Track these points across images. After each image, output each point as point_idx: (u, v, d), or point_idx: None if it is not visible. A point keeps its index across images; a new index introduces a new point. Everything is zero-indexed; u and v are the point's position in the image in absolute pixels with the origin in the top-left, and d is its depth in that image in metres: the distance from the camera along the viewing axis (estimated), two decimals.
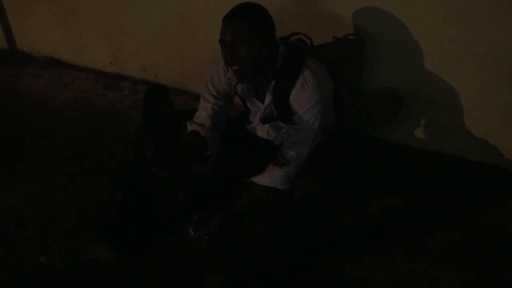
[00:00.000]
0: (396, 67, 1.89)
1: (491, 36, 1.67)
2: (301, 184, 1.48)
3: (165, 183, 1.74)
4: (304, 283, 1.48)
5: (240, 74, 1.37)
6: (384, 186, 1.84)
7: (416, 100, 1.93)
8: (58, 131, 2.27)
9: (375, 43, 1.86)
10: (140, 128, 1.68)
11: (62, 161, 2.05)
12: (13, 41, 3.04)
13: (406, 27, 1.78)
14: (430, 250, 1.59)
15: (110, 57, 2.73)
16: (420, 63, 1.84)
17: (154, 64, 2.60)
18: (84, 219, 1.72)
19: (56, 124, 2.33)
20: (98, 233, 1.57)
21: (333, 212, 1.70)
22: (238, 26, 1.31)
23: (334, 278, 1.49)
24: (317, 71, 1.42)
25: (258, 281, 1.42)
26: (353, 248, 1.59)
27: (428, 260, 1.55)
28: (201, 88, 1.62)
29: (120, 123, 2.33)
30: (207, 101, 1.57)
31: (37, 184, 1.91)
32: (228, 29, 1.32)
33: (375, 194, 1.81)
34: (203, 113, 1.56)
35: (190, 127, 1.54)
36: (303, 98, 1.40)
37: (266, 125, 1.60)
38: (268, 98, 1.49)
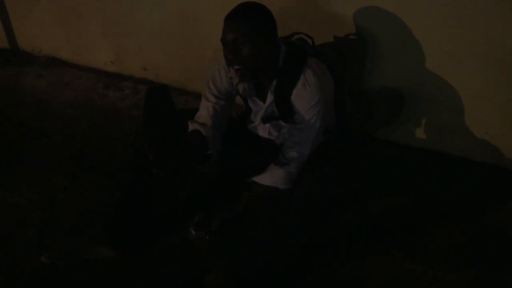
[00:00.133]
0: (397, 66, 1.89)
1: (492, 36, 1.67)
2: (302, 184, 1.48)
3: (165, 183, 1.74)
4: (304, 283, 1.48)
5: (241, 73, 1.37)
6: (385, 186, 1.84)
7: (417, 100, 1.93)
8: (58, 131, 2.27)
9: (376, 43, 1.86)
10: (140, 128, 1.68)
11: (62, 161, 2.05)
12: (14, 41, 3.05)
13: (407, 27, 1.78)
14: (430, 250, 1.59)
15: (111, 56, 2.73)
16: (421, 62, 1.84)
17: (155, 63, 2.60)
18: (84, 219, 1.72)
19: (57, 124, 2.33)
20: (98, 233, 1.57)
21: (333, 212, 1.70)
22: (239, 25, 1.31)
23: (334, 278, 1.49)
24: (318, 71, 1.42)
25: (258, 281, 1.42)
26: (353, 248, 1.59)
27: (428, 260, 1.55)
28: (203, 88, 1.62)
29: (120, 122, 2.33)
30: (208, 100, 1.57)
31: (37, 184, 1.91)
32: (230, 28, 1.32)
33: (376, 194, 1.81)
34: (205, 112, 1.56)
35: (191, 126, 1.54)
36: (305, 97, 1.40)
37: (268, 125, 1.60)
38: (269, 98, 1.49)
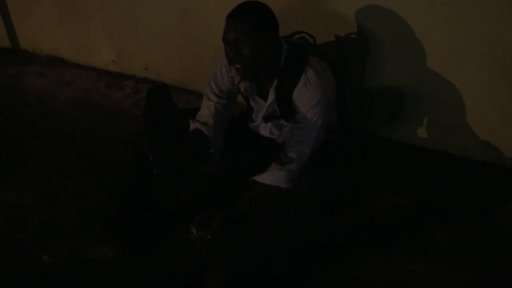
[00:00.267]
0: (398, 65, 1.89)
1: (492, 36, 1.67)
2: (303, 183, 1.48)
3: (165, 183, 1.74)
4: (304, 283, 1.48)
5: (243, 72, 1.37)
6: (386, 185, 1.84)
7: (418, 99, 1.93)
8: (59, 131, 2.27)
9: (377, 42, 1.86)
10: (141, 128, 1.68)
11: (62, 161, 2.05)
12: (16, 40, 3.06)
13: (408, 26, 1.78)
14: (430, 250, 1.59)
15: (112, 55, 2.73)
16: (421, 62, 1.84)
17: (156, 63, 2.60)
18: (84, 219, 1.72)
19: (57, 124, 2.33)
20: (98, 233, 1.57)
21: (333, 212, 1.70)
22: (241, 25, 1.31)
23: (334, 278, 1.49)
24: (320, 70, 1.42)
25: (258, 281, 1.42)
26: (353, 248, 1.59)
27: (428, 260, 1.55)
28: (204, 87, 1.62)
29: (121, 122, 2.33)
30: (210, 99, 1.57)
31: (37, 184, 1.91)
32: (231, 28, 1.32)
33: (378, 193, 1.80)
34: (206, 111, 1.56)
35: (192, 125, 1.54)
36: (306, 96, 1.40)
37: (269, 124, 1.60)
38: (271, 97, 1.49)
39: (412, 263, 1.54)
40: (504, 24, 1.64)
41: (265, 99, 1.53)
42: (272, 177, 1.47)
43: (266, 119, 1.58)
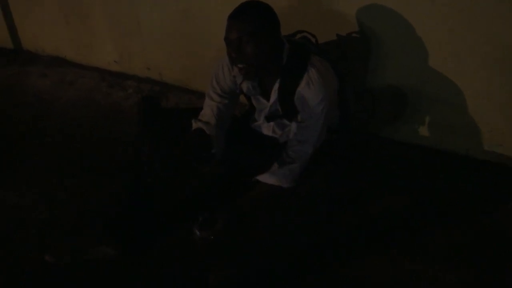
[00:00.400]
0: (400, 65, 1.89)
1: (494, 35, 1.67)
2: (305, 183, 1.48)
3: (165, 183, 1.74)
4: (304, 283, 1.48)
5: (245, 71, 1.37)
6: (388, 184, 1.83)
7: (420, 99, 1.93)
8: (59, 131, 2.27)
9: (379, 41, 1.86)
10: (140, 128, 1.68)
11: (62, 161, 2.05)
12: (18, 40, 3.06)
13: (409, 26, 1.78)
14: (430, 250, 1.59)
15: (114, 56, 2.73)
16: (423, 61, 1.84)
17: (158, 63, 2.60)
18: (84, 219, 1.72)
19: (58, 124, 2.33)
20: (98, 233, 1.57)
21: (333, 212, 1.70)
22: (243, 24, 1.32)
23: (334, 278, 1.49)
24: (322, 69, 1.42)
25: (258, 281, 1.42)
26: (353, 248, 1.59)
27: (428, 260, 1.55)
28: (206, 86, 1.62)
29: (121, 122, 2.33)
30: (212, 99, 1.58)
31: (37, 184, 1.91)
32: (234, 27, 1.32)
33: (379, 193, 1.80)
34: (208, 111, 1.56)
35: (195, 125, 1.54)
36: (308, 96, 1.40)
37: (271, 123, 1.60)
38: (273, 96, 1.49)
39: (412, 263, 1.54)
40: (504, 24, 1.64)
41: (268, 99, 1.53)
42: (274, 176, 1.47)
43: (269, 118, 1.58)
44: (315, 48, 1.51)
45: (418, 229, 1.67)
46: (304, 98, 1.41)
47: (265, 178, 1.48)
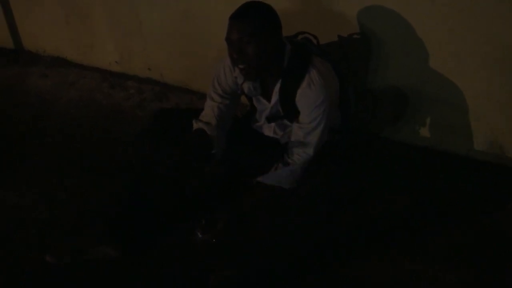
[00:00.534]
0: (401, 65, 1.89)
1: (494, 35, 1.67)
2: (305, 183, 1.48)
3: (165, 183, 1.74)
4: (304, 283, 1.48)
5: (246, 72, 1.38)
6: (390, 185, 1.83)
7: (421, 99, 1.93)
8: (59, 131, 2.27)
9: (380, 42, 1.86)
10: (143, 129, 1.68)
11: (62, 161, 2.05)
12: (19, 41, 3.05)
13: (410, 26, 1.78)
14: (430, 250, 1.59)
15: (115, 56, 2.73)
16: (424, 62, 1.83)
17: (159, 63, 2.60)
18: (84, 219, 1.72)
19: (58, 124, 2.33)
20: (98, 233, 1.57)
21: (333, 212, 1.70)
22: (244, 25, 1.32)
23: (334, 278, 1.49)
24: (323, 70, 1.42)
25: (258, 281, 1.42)
26: (353, 248, 1.59)
27: (428, 260, 1.55)
28: (207, 87, 1.62)
29: (122, 122, 2.33)
30: (213, 100, 1.58)
31: (37, 184, 1.91)
32: (235, 28, 1.33)
33: (380, 192, 1.80)
34: (209, 111, 1.57)
35: (195, 125, 1.55)
36: (310, 97, 1.41)
37: (273, 124, 1.60)
38: (274, 97, 1.49)
39: (412, 263, 1.54)
40: (504, 24, 1.64)
41: (269, 100, 1.53)
42: (275, 177, 1.48)
43: (270, 119, 1.58)
44: (316, 49, 1.51)
45: (418, 229, 1.67)
46: (305, 99, 1.41)
47: (266, 179, 1.49)
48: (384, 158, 2.00)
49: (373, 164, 1.94)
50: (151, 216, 1.63)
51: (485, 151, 1.92)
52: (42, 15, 2.82)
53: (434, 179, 1.88)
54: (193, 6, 2.27)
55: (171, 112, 1.74)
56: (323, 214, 1.53)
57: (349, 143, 1.76)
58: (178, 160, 1.44)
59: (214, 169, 1.86)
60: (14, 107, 2.48)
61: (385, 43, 1.86)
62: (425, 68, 1.84)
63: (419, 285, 1.48)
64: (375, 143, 2.08)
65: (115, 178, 1.87)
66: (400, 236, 1.64)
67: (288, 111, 1.49)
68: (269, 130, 1.64)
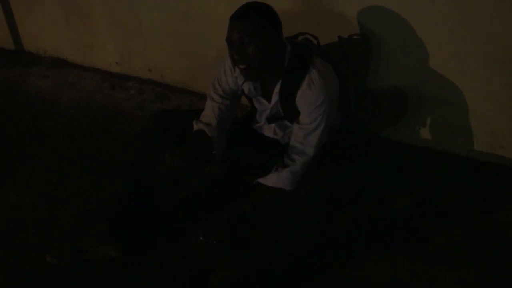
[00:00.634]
0: (401, 66, 1.89)
1: (494, 35, 1.67)
2: (306, 184, 1.49)
3: (165, 183, 1.74)
4: (304, 283, 1.48)
5: (246, 72, 1.38)
6: (390, 185, 1.83)
7: (421, 99, 1.93)
8: (59, 131, 2.27)
9: (380, 42, 1.86)
10: (143, 129, 1.68)
11: (62, 161, 2.05)
12: (19, 42, 3.05)
13: (410, 26, 1.78)
14: (430, 250, 1.59)
15: (116, 57, 2.73)
16: (424, 62, 1.83)
17: (160, 64, 2.60)
18: (84, 219, 1.72)
19: (58, 124, 2.33)
20: (98, 233, 1.57)
21: (333, 212, 1.70)
22: (245, 25, 1.32)
23: (334, 278, 1.49)
24: (324, 71, 1.42)
25: (258, 281, 1.42)
26: (353, 248, 1.59)
27: (428, 260, 1.55)
28: (207, 88, 1.62)
29: (122, 122, 2.33)
30: (213, 100, 1.58)
31: (37, 184, 1.91)
32: (235, 28, 1.33)
33: (380, 193, 1.80)
34: (209, 112, 1.57)
35: (196, 126, 1.55)
36: (310, 97, 1.41)
37: (273, 125, 1.61)
38: (274, 98, 1.49)
39: (412, 263, 1.54)
40: (504, 24, 1.64)
41: (269, 100, 1.53)
42: (276, 179, 1.48)
43: (270, 120, 1.58)
44: (317, 50, 1.51)
45: (418, 229, 1.67)
46: (305, 100, 1.41)
47: (267, 180, 1.49)
48: (384, 158, 2.00)
49: (373, 164, 1.95)
50: (151, 216, 1.63)
51: (486, 151, 1.92)
52: (43, 16, 2.83)
53: (434, 179, 1.88)
54: (193, 7, 2.27)
55: (171, 113, 1.74)
56: (323, 214, 1.53)
57: (349, 143, 1.76)
58: (179, 160, 1.44)
59: (214, 169, 1.86)
60: (14, 107, 2.48)
61: (385, 43, 1.86)
62: (425, 68, 1.84)
63: (419, 285, 1.48)
64: (375, 143, 2.08)
65: (115, 178, 1.87)
66: (400, 236, 1.64)
67: (289, 111, 1.49)
68: (269, 130, 1.64)
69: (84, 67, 2.85)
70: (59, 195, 1.85)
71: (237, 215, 1.52)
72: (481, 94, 1.80)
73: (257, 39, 1.32)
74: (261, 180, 1.50)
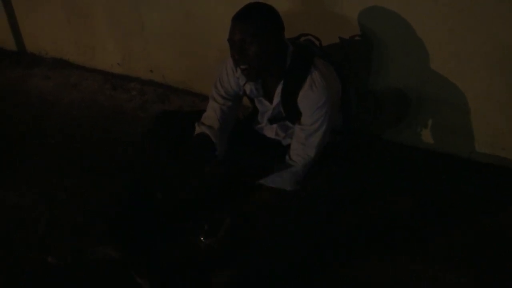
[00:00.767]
0: (403, 67, 1.89)
1: (495, 35, 1.67)
2: (307, 184, 1.49)
3: (165, 183, 1.74)
4: (304, 283, 1.48)
5: (247, 72, 1.38)
6: (391, 186, 1.83)
7: (423, 100, 1.92)
8: (59, 131, 2.27)
9: (382, 43, 1.86)
10: (143, 130, 1.68)
11: (62, 161, 2.05)
12: (21, 43, 3.05)
13: (411, 27, 1.78)
14: (430, 250, 1.59)
15: (118, 58, 2.73)
16: (425, 63, 1.83)
17: (161, 65, 2.60)
18: (84, 219, 1.72)
19: (59, 124, 2.33)
20: (98, 233, 1.57)
21: (333, 213, 1.70)
22: (247, 25, 1.32)
23: (334, 278, 1.49)
24: (325, 72, 1.42)
25: (258, 281, 1.42)
26: (353, 248, 1.59)
27: (428, 260, 1.55)
28: (209, 89, 1.62)
29: (122, 122, 2.33)
30: (216, 101, 1.58)
31: (37, 184, 1.91)
32: (237, 28, 1.33)
33: (382, 194, 1.80)
34: (212, 114, 1.57)
35: (198, 128, 1.55)
36: (311, 98, 1.41)
37: (275, 125, 1.61)
38: (276, 98, 1.50)
39: (412, 263, 1.54)
40: (504, 24, 1.64)
41: (271, 101, 1.53)
42: (278, 179, 1.48)
43: (272, 120, 1.58)
44: (319, 51, 1.51)
45: (418, 229, 1.67)
46: (307, 101, 1.41)
47: (268, 181, 1.49)
48: (385, 160, 1.99)
49: (375, 166, 1.94)
50: (151, 216, 1.63)
51: (487, 153, 1.91)
52: (45, 17, 2.83)
53: (436, 181, 1.88)
54: (194, 8, 2.27)
55: (173, 114, 1.74)
56: (323, 214, 1.53)
57: (350, 144, 1.76)
58: (180, 163, 1.44)
59: (214, 169, 1.86)
60: (15, 108, 2.48)
61: (387, 44, 1.86)
62: (427, 70, 1.84)
63: (419, 285, 1.48)
64: (376, 145, 2.07)
65: (115, 178, 1.87)
66: (400, 236, 1.64)
67: (290, 112, 1.49)
68: (271, 131, 1.64)
69: (86, 68, 2.85)
70: (59, 195, 1.85)
71: (237, 215, 1.52)
72: (481, 94, 1.80)
73: (259, 39, 1.32)
74: (262, 181, 1.50)
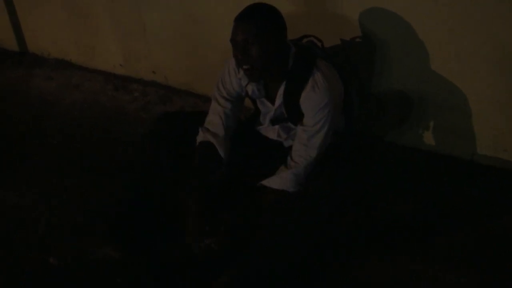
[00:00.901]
0: (405, 68, 1.88)
1: (495, 35, 1.67)
2: (309, 185, 1.49)
3: (165, 183, 1.74)
4: (304, 283, 1.48)
5: (249, 73, 1.38)
6: (393, 188, 1.82)
7: (425, 102, 1.92)
8: (59, 131, 2.27)
9: (383, 45, 1.86)
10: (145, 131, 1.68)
11: (62, 161, 2.05)
12: (24, 43, 3.06)
13: (413, 28, 1.77)
14: (430, 250, 1.59)
15: (120, 59, 2.73)
16: (427, 64, 1.83)
17: (164, 66, 2.60)
18: (84, 219, 1.72)
19: (59, 124, 2.33)
20: (98, 233, 1.57)
21: (334, 213, 1.69)
22: (249, 26, 1.33)
23: (334, 278, 1.49)
24: (328, 74, 1.43)
25: (258, 281, 1.41)
26: (353, 248, 1.59)
27: (428, 260, 1.55)
28: (211, 90, 1.62)
29: (123, 122, 2.33)
30: (218, 103, 1.58)
31: (37, 184, 1.91)
32: (240, 29, 1.34)
33: (384, 195, 1.80)
34: (216, 119, 1.57)
35: (202, 135, 1.55)
36: (314, 99, 1.41)
37: (276, 127, 1.61)
38: (278, 100, 1.50)
39: (412, 263, 1.54)
40: (504, 24, 1.64)
41: (273, 102, 1.53)
42: (279, 181, 1.48)
43: (274, 122, 1.58)
44: (321, 53, 1.51)
45: (418, 229, 1.67)
46: (309, 102, 1.42)
47: (270, 182, 1.49)
48: (388, 161, 1.99)
49: (377, 167, 1.94)
50: (151, 216, 1.63)
51: (489, 155, 1.91)
52: (47, 18, 2.83)
53: (438, 183, 1.87)
54: (197, 9, 2.27)
55: (175, 115, 1.74)
56: (325, 215, 1.53)
57: (353, 145, 1.76)
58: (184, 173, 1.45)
59: (218, 175, 1.86)
60: (16, 108, 2.48)
61: (388, 45, 1.86)
62: (429, 71, 1.84)
63: (419, 285, 1.48)
64: (379, 146, 2.07)
65: (115, 178, 1.87)
66: (400, 236, 1.64)
67: (292, 113, 1.49)
68: (273, 132, 1.64)
69: (88, 69, 2.86)
70: (59, 195, 1.85)
71: (237, 215, 1.52)
72: (481, 94, 1.80)
73: (261, 39, 1.33)
74: (264, 182, 1.50)
